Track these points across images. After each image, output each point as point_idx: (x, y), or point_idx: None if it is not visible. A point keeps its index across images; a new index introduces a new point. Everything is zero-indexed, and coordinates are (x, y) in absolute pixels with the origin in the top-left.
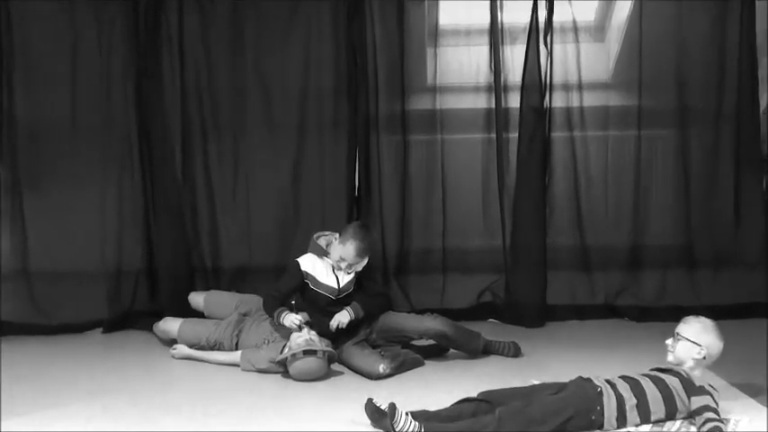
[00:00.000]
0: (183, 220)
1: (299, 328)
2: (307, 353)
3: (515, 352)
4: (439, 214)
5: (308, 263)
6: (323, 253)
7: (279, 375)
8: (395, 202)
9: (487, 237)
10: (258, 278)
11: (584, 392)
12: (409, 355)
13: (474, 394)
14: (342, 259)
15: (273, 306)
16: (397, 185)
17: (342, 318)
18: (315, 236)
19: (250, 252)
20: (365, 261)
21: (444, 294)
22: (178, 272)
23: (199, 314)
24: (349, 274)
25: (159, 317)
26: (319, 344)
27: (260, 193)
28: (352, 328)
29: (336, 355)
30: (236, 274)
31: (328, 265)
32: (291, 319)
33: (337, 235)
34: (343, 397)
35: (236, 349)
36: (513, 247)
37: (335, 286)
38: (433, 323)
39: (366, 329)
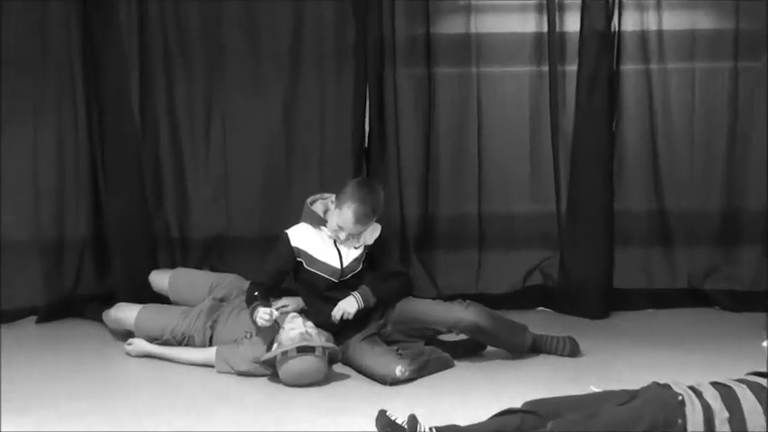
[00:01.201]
0: (141, 176)
1: (276, 324)
2: (301, 350)
3: (572, 350)
4: (474, 171)
5: (301, 236)
6: (320, 222)
7: (265, 379)
8: (417, 154)
9: (537, 200)
10: (239, 252)
11: (662, 402)
12: (434, 353)
13: (518, 404)
14: (339, 228)
15: (252, 296)
16: (420, 133)
17: (347, 306)
18: (309, 200)
19: (228, 219)
20: (376, 232)
21: (481, 275)
22: (135, 244)
23: (162, 299)
24: (356, 248)
25: (111, 302)
26: (318, 338)
27: (241, 142)
28: (361, 318)
29: (340, 353)
30: (211, 248)
31: (327, 238)
32: (260, 314)
33: (334, 197)
34: (349, 407)
35: (211, 345)
36: (570, 213)
37: (337, 265)
38: (464, 313)
39: (379, 320)
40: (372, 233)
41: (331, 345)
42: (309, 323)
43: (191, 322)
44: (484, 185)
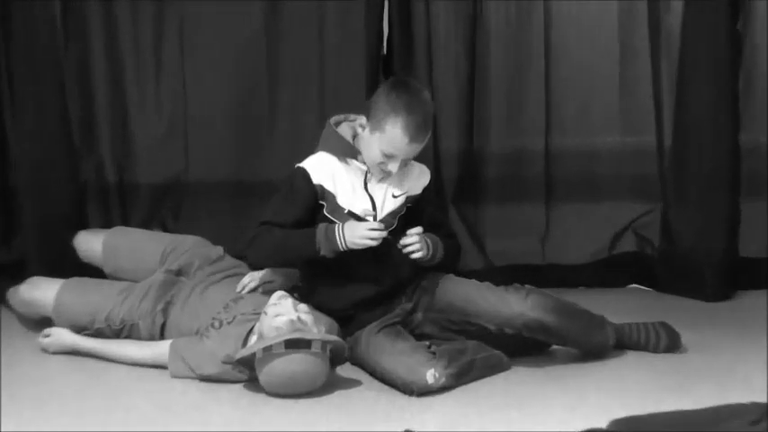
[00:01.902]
0: (64, 103)
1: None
2: (292, 345)
3: (669, 342)
4: (539, 88)
5: (324, 169)
6: (347, 151)
7: (240, 386)
8: (457, 64)
9: (630, 131)
10: (202, 205)
11: None
12: (481, 350)
13: (602, 423)
14: (388, 157)
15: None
16: (462, 33)
17: (420, 243)
18: (332, 120)
19: (187, 158)
20: (424, 178)
21: (549, 239)
22: (55, 194)
23: (93, 271)
24: (395, 197)
25: (20, 277)
26: (315, 328)
27: (206, 55)
28: (385, 296)
29: (348, 348)
30: (163, 198)
31: (356, 175)
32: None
33: (363, 120)
34: (360, 426)
35: (163, 337)
36: (677, 150)
37: (370, 214)
38: (523, 305)
39: (405, 304)
40: (419, 179)
41: (334, 337)
42: (303, 306)
43: (133, 304)
44: (553, 109)
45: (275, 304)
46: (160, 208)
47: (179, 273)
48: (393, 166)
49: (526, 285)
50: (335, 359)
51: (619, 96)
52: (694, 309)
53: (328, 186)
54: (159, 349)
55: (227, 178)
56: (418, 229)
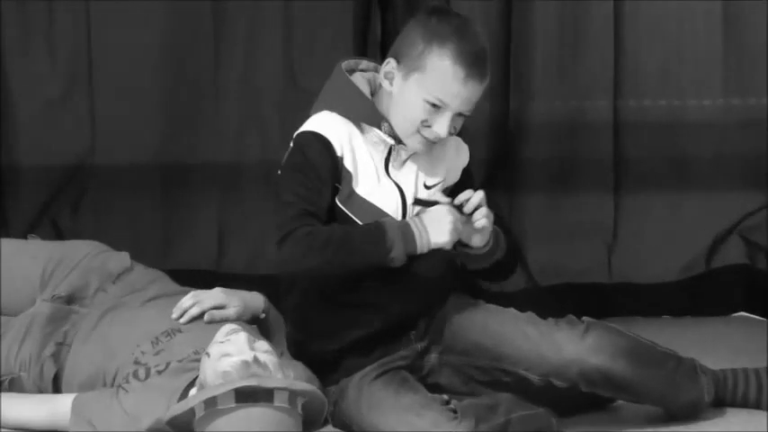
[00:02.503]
0: None
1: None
2: (245, 396)
3: None
4: (605, 30)
5: (341, 138)
6: (368, 115)
7: None
8: None
9: (735, 91)
10: (114, 197)
11: None
12: (518, 408)
13: None
14: (435, 108)
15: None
16: None
17: (486, 208)
18: (343, 64)
19: (93, 132)
20: (462, 158)
21: (618, 246)
22: None
23: None
24: (428, 188)
25: None
26: (279, 373)
27: None
28: (390, 331)
29: (328, 403)
30: (57, 187)
31: (378, 150)
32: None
33: (391, 63)
34: None
35: (56, 389)
36: None
37: (393, 209)
38: (579, 347)
39: (417, 340)
40: (456, 160)
41: (308, 386)
42: (262, 343)
43: (11, 350)
44: (626, 59)
45: (222, 341)
46: (53, 201)
47: (71, 299)
48: (441, 126)
49: (584, 318)
50: (311, 419)
51: (722, 41)
52: None
53: (348, 163)
54: (57, 406)
55: (152, 160)
56: (471, 192)
